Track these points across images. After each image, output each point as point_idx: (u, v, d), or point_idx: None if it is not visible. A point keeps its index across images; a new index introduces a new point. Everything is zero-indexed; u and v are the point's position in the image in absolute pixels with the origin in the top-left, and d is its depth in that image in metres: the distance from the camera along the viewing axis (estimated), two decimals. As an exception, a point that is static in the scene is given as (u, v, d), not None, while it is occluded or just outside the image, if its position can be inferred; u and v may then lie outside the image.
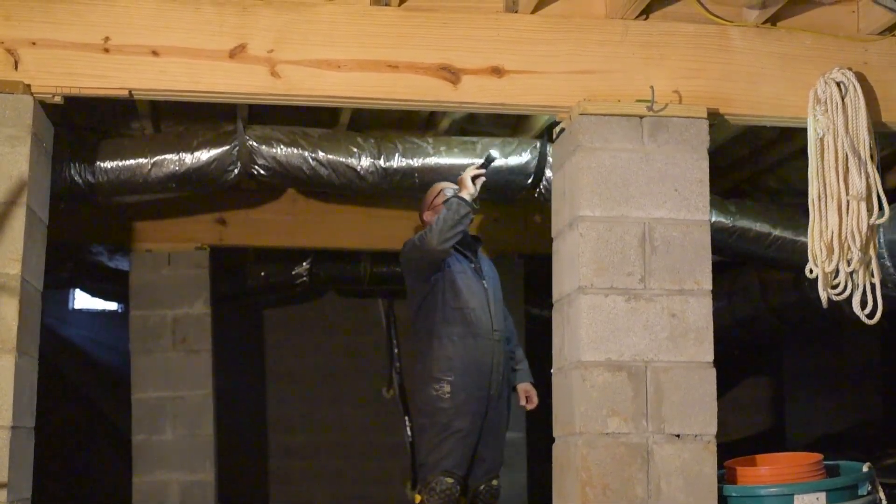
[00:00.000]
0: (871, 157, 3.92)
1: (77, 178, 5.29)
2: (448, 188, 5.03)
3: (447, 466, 4.82)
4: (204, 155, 5.33)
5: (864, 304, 3.96)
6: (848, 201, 3.90)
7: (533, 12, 3.99)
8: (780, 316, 7.38)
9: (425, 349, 4.99)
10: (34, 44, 3.76)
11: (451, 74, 3.93)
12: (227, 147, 5.32)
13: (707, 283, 3.89)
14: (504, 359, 5.02)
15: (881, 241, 5.15)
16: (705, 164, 3.95)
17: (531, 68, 3.97)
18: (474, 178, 4.87)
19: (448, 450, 4.83)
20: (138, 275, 6.64)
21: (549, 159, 5.33)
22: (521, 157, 5.47)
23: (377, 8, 3.94)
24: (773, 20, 4.09)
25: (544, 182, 5.51)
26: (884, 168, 4.93)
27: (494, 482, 4.99)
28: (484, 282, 5.06)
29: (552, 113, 4.09)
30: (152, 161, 5.31)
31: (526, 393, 5.16)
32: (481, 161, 5.02)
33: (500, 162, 5.40)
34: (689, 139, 3.94)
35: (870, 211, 3.90)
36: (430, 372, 4.93)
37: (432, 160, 5.39)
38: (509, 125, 5.67)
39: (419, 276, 4.99)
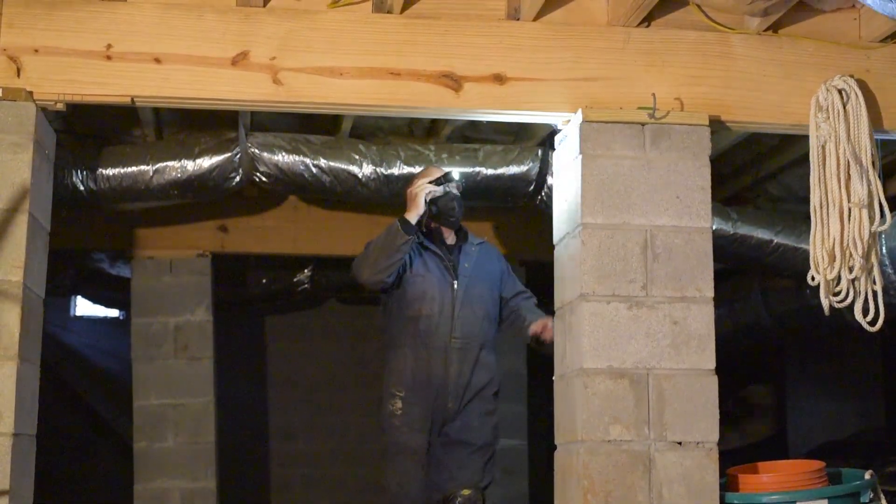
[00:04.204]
0: (873, 164, 3.92)
1: (79, 185, 5.30)
2: (426, 185, 4.62)
3: (413, 496, 4.52)
4: (206, 162, 5.34)
5: (865, 312, 3.95)
6: (850, 208, 3.89)
7: (535, 20, 3.99)
8: (781, 323, 7.38)
9: (385, 362, 4.75)
10: (37, 51, 3.77)
11: (453, 82, 3.94)
12: (229, 154, 5.33)
13: (709, 291, 3.88)
14: (473, 367, 4.63)
15: (883, 248, 5.15)
16: (707, 172, 3.95)
17: (533, 75, 3.97)
18: (427, 196, 4.55)
19: (403, 473, 4.56)
20: (140, 282, 6.64)
21: (551, 166, 5.33)
22: (523, 165, 5.48)
23: (379, 15, 3.94)
24: (774, 27, 4.09)
25: (546, 189, 5.51)
26: (885, 175, 4.95)
27: (466, 492, 4.60)
28: (455, 282, 4.68)
29: (554, 120, 4.09)
30: (154, 168, 5.31)
31: (540, 328, 4.62)
32: (437, 176, 4.67)
33: (495, 170, 5.41)
34: (691, 146, 3.94)
35: (871, 218, 3.90)
36: (386, 386, 4.68)
37: (434, 168, 5.39)
38: (511, 132, 5.68)
39: (374, 290, 4.72)
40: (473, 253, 4.82)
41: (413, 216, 4.54)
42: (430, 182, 4.62)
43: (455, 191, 4.71)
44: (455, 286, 4.68)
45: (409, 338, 4.64)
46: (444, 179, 4.66)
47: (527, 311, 4.81)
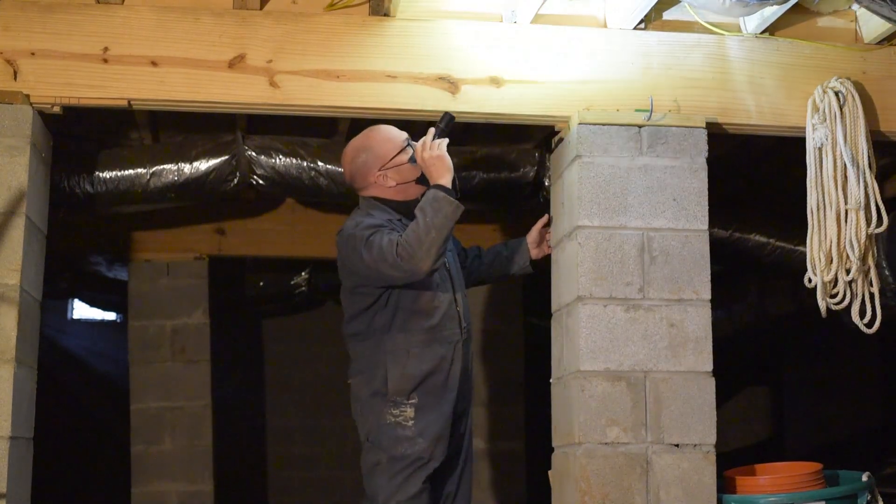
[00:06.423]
0: (870, 166, 3.93)
1: (76, 188, 5.28)
2: (407, 140, 4.02)
3: None
4: (203, 165, 5.32)
5: (862, 314, 3.96)
6: (846, 211, 3.90)
7: (532, 22, 3.99)
8: (779, 325, 7.38)
9: (371, 367, 3.94)
10: (33, 54, 3.77)
11: (450, 84, 3.94)
12: (226, 157, 5.31)
13: (706, 293, 3.89)
14: (472, 359, 4.11)
15: (880, 250, 5.15)
16: (704, 174, 3.95)
17: (530, 78, 3.97)
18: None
19: (420, 488, 3.85)
20: (137, 285, 6.63)
21: (549, 169, 5.33)
22: (520, 167, 5.47)
23: (376, 18, 3.94)
24: (771, 30, 4.09)
25: (543, 192, 5.51)
26: (882, 177, 4.95)
27: None
28: (446, 261, 4.01)
29: (551, 122, 4.09)
30: (151, 171, 5.30)
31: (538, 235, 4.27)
32: (439, 122, 3.92)
33: (492, 173, 5.38)
34: (688, 148, 3.94)
35: (868, 220, 3.90)
36: (383, 394, 3.89)
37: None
38: (508, 134, 5.67)
39: (377, 282, 3.91)
40: None
41: (448, 179, 3.80)
42: (439, 133, 3.88)
43: None
44: (448, 264, 4.05)
45: (419, 335, 3.91)
46: (449, 121, 3.90)
47: (495, 248, 4.39)
